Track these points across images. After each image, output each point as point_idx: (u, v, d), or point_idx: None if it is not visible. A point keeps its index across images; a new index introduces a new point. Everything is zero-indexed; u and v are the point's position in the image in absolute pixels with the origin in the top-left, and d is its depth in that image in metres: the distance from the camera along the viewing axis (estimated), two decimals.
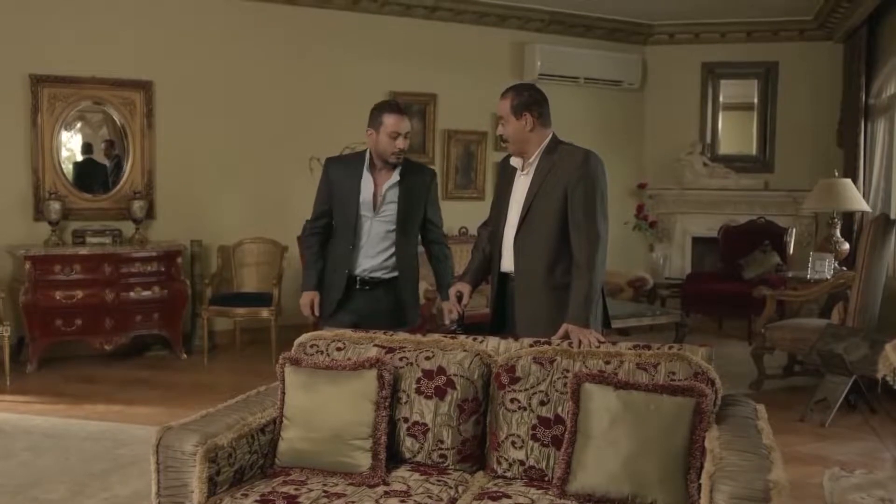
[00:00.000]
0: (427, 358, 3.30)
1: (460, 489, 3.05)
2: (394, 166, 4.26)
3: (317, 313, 4.36)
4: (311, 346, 3.48)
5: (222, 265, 8.16)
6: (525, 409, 3.14)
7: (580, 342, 3.37)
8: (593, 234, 3.66)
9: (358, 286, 4.29)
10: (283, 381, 3.30)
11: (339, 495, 2.94)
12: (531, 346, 3.34)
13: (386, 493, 2.96)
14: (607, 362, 3.14)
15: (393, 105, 4.34)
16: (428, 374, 3.26)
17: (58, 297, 7.20)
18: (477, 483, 3.12)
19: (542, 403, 3.13)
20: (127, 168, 8.01)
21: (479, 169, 9.62)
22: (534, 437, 3.12)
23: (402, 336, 3.50)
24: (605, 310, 3.93)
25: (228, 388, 6.49)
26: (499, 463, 3.18)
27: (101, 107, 7.94)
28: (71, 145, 8.00)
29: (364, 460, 3.12)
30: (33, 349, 7.19)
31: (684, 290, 9.36)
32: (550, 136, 3.89)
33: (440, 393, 3.22)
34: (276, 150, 8.41)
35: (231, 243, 8.15)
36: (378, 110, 4.25)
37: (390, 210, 4.27)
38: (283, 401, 3.27)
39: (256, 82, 8.37)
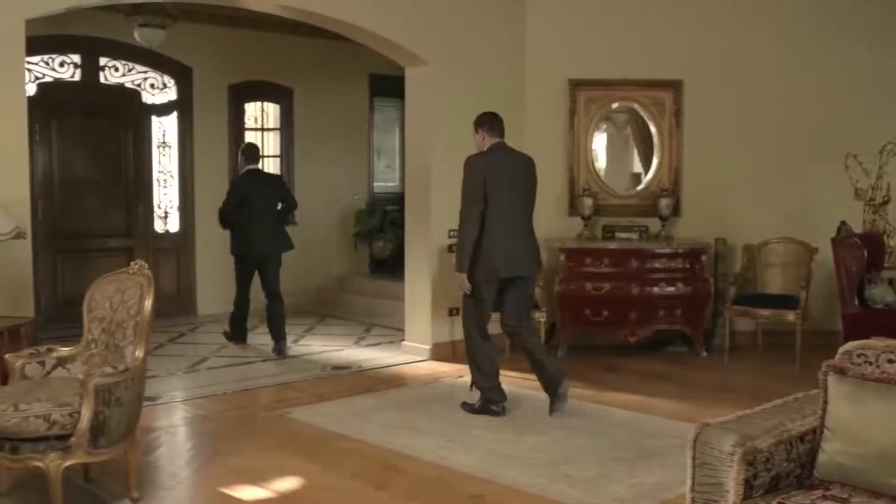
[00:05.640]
0: None
1: None
2: None
3: None
4: (859, 356, 3.24)
5: (746, 265, 8.00)
6: None
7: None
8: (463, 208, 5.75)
9: None
10: (825, 389, 3.11)
11: None
12: None
13: None
14: None
15: None
16: None
17: (587, 288, 7.64)
18: None
19: None
20: (654, 166, 8.25)
21: None
22: None
23: None
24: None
25: (747, 390, 6.40)
26: None
27: (629, 107, 8.27)
28: (593, 145, 8.40)
29: None
30: (563, 335, 7.72)
31: None
32: (492, 143, 5.81)
33: None
34: (806, 147, 8.03)
35: (756, 243, 7.95)
36: None
37: None
38: (824, 410, 3.08)
39: (786, 76, 8.06)
